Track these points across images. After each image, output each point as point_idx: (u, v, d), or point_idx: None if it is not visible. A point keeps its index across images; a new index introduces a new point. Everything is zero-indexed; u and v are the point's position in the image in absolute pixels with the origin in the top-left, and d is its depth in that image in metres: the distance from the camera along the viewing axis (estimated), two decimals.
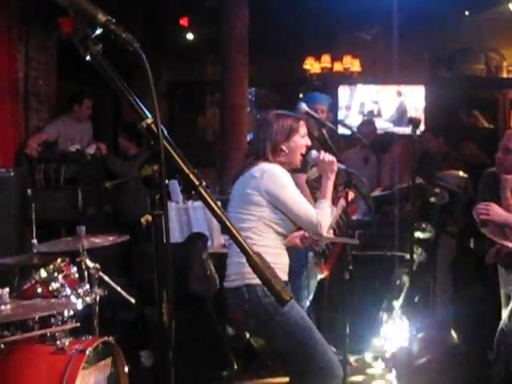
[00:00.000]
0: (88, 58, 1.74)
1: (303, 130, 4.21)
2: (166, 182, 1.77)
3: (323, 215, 4.08)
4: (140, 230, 6.90)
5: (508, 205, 4.96)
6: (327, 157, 4.24)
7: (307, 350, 4.03)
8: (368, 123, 9.15)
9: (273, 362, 5.76)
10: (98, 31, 1.75)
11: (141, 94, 1.83)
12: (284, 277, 4.16)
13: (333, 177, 4.23)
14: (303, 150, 4.23)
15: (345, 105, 11.39)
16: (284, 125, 4.15)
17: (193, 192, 1.79)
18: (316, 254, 5.70)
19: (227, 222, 1.83)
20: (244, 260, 1.85)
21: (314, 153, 4.29)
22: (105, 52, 1.78)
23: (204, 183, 1.80)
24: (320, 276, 5.89)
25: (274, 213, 4.07)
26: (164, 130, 1.76)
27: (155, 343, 6.07)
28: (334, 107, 10.73)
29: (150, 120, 1.77)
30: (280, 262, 4.14)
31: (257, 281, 3.90)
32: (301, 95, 10.27)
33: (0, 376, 3.83)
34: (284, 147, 4.13)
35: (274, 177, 4.03)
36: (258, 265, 1.82)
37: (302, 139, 4.19)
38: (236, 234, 1.83)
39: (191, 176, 1.79)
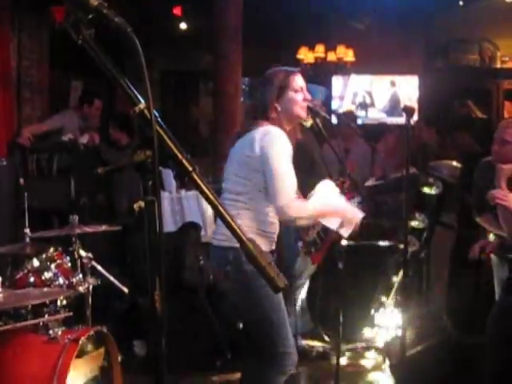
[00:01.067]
0: (80, 42, 1.72)
1: (297, 83, 4.09)
2: (160, 169, 1.76)
3: (299, 208, 3.96)
4: (133, 220, 6.89)
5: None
6: (355, 219, 4.23)
7: (271, 330, 4.00)
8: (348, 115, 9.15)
9: None
10: (90, 15, 1.73)
11: (134, 84, 1.81)
12: (272, 246, 4.12)
13: (338, 221, 4.20)
14: (302, 104, 4.11)
15: (338, 95, 11.39)
16: (274, 82, 4.05)
17: (186, 178, 1.78)
18: (305, 244, 5.67)
19: (220, 208, 1.82)
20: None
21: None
22: (97, 40, 1.76)
23: (198, 169, 1.79)
24: (311, 266, 5.89)
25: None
26: (157, 114, 1.75)
27: (148, 332, 6.07)
28: (327, 97, 10.74)
29: (142, 105, 1.75)
30: (270, 231, 4.06)
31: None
32: None
33: None
34: (277, 105, 4.03)
35: (274, 140, 3.91)
36: (251, 251, 1.81)
37: (296, 94, 4.08)
38: (229, 219, 1.82)
39: (184, 162, 1.78)
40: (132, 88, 1.77)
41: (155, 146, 1.71)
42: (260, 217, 3.98)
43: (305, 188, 4.33)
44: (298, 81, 4.11)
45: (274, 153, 3.88)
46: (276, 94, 4.04)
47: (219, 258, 4.05)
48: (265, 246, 4.00)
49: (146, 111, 1.74)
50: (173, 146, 1.77)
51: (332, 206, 4.19)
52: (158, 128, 1.74)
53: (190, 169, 1.78)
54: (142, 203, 1.76)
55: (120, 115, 8.42)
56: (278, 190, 3.87)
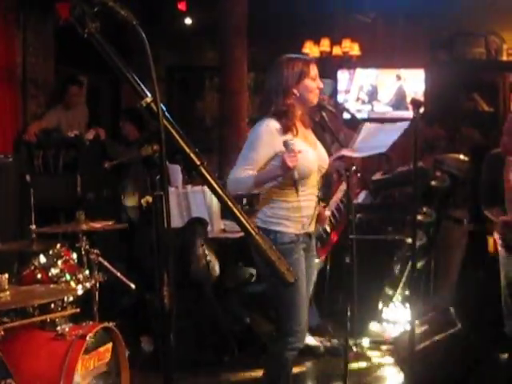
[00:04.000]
0: (86, 35, 1.70)
1: (313, 72, 4.28)
2: (167, 163, 1.74)
3: (234, 182, 4.16)
4: (139, 215, 6.88)
5: (510, 187, 4.95)
6: (289, 159, 4.01)
7: (282, 304, 4.19)
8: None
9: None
10: (96, 8, 1.71)
11: (140, 79, 1.80)
12: (303, 229, 4.24)
13: (279, 173, 4.09)
14: (317, 91, 4.31)
15: (344, 89, 11.34)
16: (294, 68, 4.22)
17: (193, 172, 1.76)
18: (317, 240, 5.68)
19: (229, 202, 1.80)
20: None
21: (289, 143, 4.10)
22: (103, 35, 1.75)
23: (205, 163, 1.77)
24: (317, 261, 5.87)
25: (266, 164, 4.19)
26: (164, 108, 1.73)
27: (155, 328, 6.06)
28: (333, 91, 10.71)
29: (149, 99, 1.74)
30: (295, 215, 4.19)
31: (275, 227, 4.09)
32: None
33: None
34: (295, 90, 4.21)
35: (252, 131, 4.27)
36: (260, 245, 1.79)
37: (312, 82, 4.26)
38: (238, 213, 1.81)
39: (192, 155, 1.76)
40: (138, 81, 1.75)
41: (162, 139, 1.69)
42: (280, 204, 4.17)
43: None
44: (314, 69, 4.31)
45: (248, 140, 4.26)
46: (296, 80, 4.21)
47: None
48: (294, 228, 4.18)
49: (152, 105, 1.73)
50: (180, 140, 1.76)
51: (267, 172, 4.21)
52: (165, 122, 1.73)
53: (198, 162, 1.77)
54: (149, 198, 1.75)
55: (132, 109, 8.40)
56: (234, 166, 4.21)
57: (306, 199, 4.21)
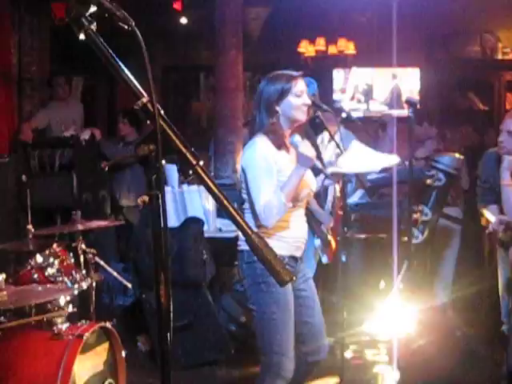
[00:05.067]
0: (82, 36, 1.71)
1: (298, 88, 4.07)
2: (163, 163, 1.75)
3: (267, 207, 3.91)
4: (136, 216, 6.89)
5: (506, 185, 4.97)
6: (306, 151, 3.98)
7: (271, 330, 4.01)
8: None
9: None
10: (92, 9, 1.72)
11: (135, 79, 1.80)
12: (294, 252, 4.09)
13: (302, 172, 3.96)
14: (303, 108, 4.09)
15: (339, 88, 11.35)
16: (276, 85, 4.05)
17: (190, 172, 1.77)
18: (323, 240, 5.72)
19: (225, 201, 1.80)
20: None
21: (297, 137, 4.13)
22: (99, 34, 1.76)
23: (202, 162, 1.78)
24: (325, 260, 5.91)
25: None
26: (160, 108, 1.74)
27: (152, 328, 6.07)
28: (328, 90, 10.72)
29: (145, 99, 1.74)
30: (286, 236, 4.04)
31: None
32: None
33: None
34: (277, 108, 4.03)
35: (250, 152, 4.03)
36: (256, 244, 1.80)
37: (297, 98, 4.05)
38: (234, 213, 1.81)
39: (188, 155, 1.77)
40: (135, 82, 1.76)
41: (158, 139, 1.70)
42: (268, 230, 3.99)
43: None
44: (299, 85, 4.09)
45: (249, 164, 4.00)
46: (277, 97, 4.03)
47: (239, 259, 4.13)
48: (286, 250, 4.02)
49: (149, 105, 1.73)
50: (177, 140, 1.76)
51: (290, 178, 3.99)
52: (161, 122, 1.73)
53: (195, 162, 1.77)
54: (146, 197, 1.75)
55: (130, 110, 8.42)
56: (256, 205, 3.94)
57: (296, 220, 4.12)
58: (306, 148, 3.95)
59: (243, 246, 4.01)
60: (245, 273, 4.07)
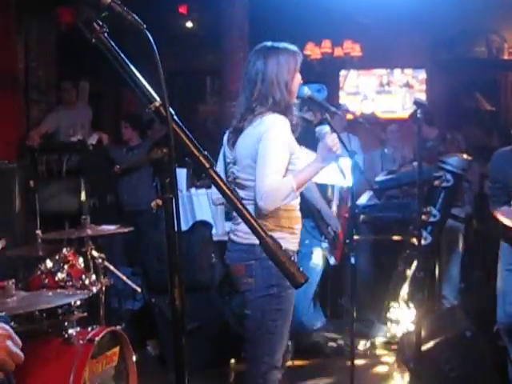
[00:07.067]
0: (94, 41, 1.71)
1: (299, 64, 3.90)
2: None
3: (273, 191, 3.59)
4: (144, 220, 6.89)
5: None
6: (333, 145, 3.68)
7: (268, 336, 3.83)
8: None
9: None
10: (103, 14, 1.72)
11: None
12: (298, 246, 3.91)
13: (321, 166, 3.70)
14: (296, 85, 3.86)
15: (346, 90, 11.37)
16: (289, 64, 3.84)
17: (203, 175, 1.77)
18: (329, 242, 5.72)
19: (238, 205, 1.79)
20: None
21: (327, 128, 3.81)
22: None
23: (214, 165, 1.78)
24: (333, 262, 5.91)
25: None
26: (173, 112, 1.74)
27: (161, 332, 6.07)
28: (335, 92, 10.74)
29: (158, 102, 1.75)
30: (298, 229, 3.87)
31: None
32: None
33: None
34: (291, 85, 3.81)
35: (272, 125, 3.68)
36: (271, 247, 1.79)
37: (299, 75, 3.88)
38: (248, 216, 1.79)
39: (201, 158, 1.76)
40: (147, 86, 1.76)
41: (171, 142, 1.70)
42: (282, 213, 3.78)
43: None
44: (299, 59, 3.93)
45: (266, 144, 3.68)
46: (293, 74, 3.85)
47: (243, 253, 3.78)
48: (294, 245, 3.87)
49: (161, 108, 1.74)
50: (189, 143, 1.76)
51: (306, 168, 3.73)
52: (174, 125, 1.73)
53: (208, 165, 1.77)
54: (159, 201, 1.75)
55: (133, 115, 8.47)
56: (260, 180, 3.64)
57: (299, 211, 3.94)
58: (332, 142, 3.67)
59: (253, 239, 3.71)
60: (255, 271, 3.75)
